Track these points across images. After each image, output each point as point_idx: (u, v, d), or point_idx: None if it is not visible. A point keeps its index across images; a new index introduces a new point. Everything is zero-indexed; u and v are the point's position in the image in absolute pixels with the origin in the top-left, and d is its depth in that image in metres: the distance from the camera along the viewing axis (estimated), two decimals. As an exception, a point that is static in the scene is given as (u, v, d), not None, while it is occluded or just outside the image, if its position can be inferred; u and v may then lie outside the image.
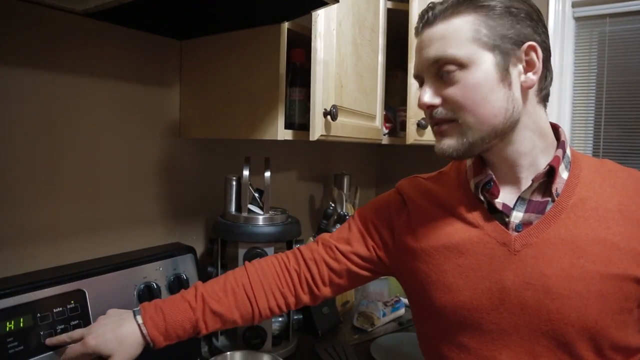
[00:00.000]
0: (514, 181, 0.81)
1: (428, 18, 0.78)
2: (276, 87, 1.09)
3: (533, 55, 0.75)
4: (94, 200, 1.11)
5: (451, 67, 0.75)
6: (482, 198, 0.82)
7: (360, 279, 0.98)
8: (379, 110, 1.47)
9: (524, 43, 0.75)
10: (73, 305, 0.94)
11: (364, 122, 1.35)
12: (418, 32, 0.81)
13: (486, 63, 0.74)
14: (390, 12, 1.48)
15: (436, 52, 0.76)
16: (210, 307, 0.88)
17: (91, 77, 1.09)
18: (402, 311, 1.51)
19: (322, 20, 1.04)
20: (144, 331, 0.84)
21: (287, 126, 1.13)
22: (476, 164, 0.84)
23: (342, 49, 1.14)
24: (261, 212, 1.19)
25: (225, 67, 1.18)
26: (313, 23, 1.04)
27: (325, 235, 1.00)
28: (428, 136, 1.52)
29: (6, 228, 0.96)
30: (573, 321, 0.72)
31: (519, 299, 0.75)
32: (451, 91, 0.76)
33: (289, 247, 1.23)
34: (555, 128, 0.84)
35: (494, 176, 0.80)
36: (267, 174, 1.18)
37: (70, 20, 1.03)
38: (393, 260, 0.93)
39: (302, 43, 1.16)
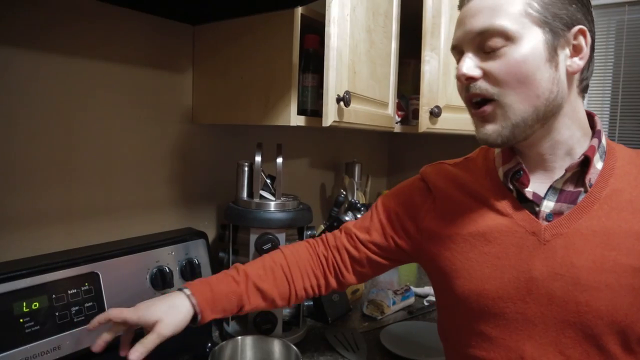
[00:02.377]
0: (546, 170, 0.79)
1: None
2: (289, 73, 1.08)
3: (582, 39, 0.72)
4: (108, 184, 1.12)
5: (497, 40, 0.71)
6: (510, 187, 0.81)
7: (381, 267, 0.99)
8: (391, 98, 1.46)
9: (574, 26, 0.72)
10: (87, 287, 0.95)
11: (377, 110, 1.34)
12: (464, 3, 0.76)
13: (535, 39, 0.70)
14: (404, -1, 1.47)
15: (483, 22, 0.71)
16: (254, 282, 0.91)
17: (105, 61, 1.09)
18: (411, 300, 1.51)
19: (336, 5, 1.03)
20: (193, 301, 0.84)
21: (300, 112, 1.12)
22: (505, 151, 0.82)
23: (355, 35, 1.13)
24: (273, 198, 1.19)
25: (238, 53, 1.18)
26: (327, 8, 1.03)
27: (349, 223, 1.03)
28: (441, 124, 1.51)
29: (22, 211, 0.97)
30: (602, 314, 0.70)
31: (547, 289, 0.74)
32: (494, 65, 0.72)
33: (300, 233, 1.24)
34: (590, 116, 0.81)
35: (523, 165, 0.79)
36: (279, 160, 1.18)
37: (85, 4, 1.03)
38: (416, 247, 0.93)
39: (315, 29, 1.16)
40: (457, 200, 0.86)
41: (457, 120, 1.52)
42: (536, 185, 0.79)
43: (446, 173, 0.92)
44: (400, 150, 2.32)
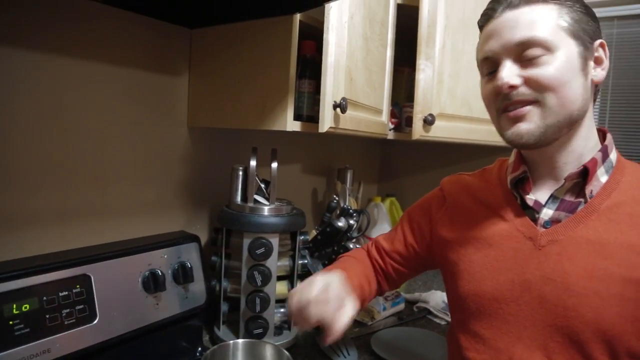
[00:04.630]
0: (553, 179, 0.82)
1: (512, 1, 0.78)
2: (286, 78, 1.09)
3: (602, 52, 0.79)
4: (102, 186, 1.11)
5: (538, 50, 0.75)
6: (516, 194, 0.85)
7: (404, 275, 1.06)
8: (385, 105, 1.47)
9: (596, 39, 0.78)
10: (79, 289, 0.94)
11: (371, 117, 1.35)
12: (494, 15, 0.80)
13: (570, 50, 0.75)
14: (399, 8, 1.48)
15: (523, 34, 0.75)
16: (358, 281, 0.97)
17: (102, 62, 1.08)
18: (402, 306, 1.52)
19: (335, 12, 1.04)
20: (354, 282, 0.93)
21: (295, 118, 1.13)
22: (517, 160, 0.86)
23: (352, 42, 1.14)
24: (267, 203, 1.19)
25: (236, 57, 1.18)
26: (326, 15, 1.04)
27: (379, 236, 1.12)
28: (434, 132, 1.52)
29: (14, 211, 0.96)
30: (589, 320, 0.72)
31: (538, 292, 0.77)
32: (536, 71, 0.75)
33: (293, 238, 1.24)
34: (603, 132, 0.84)
35: (528, 173, 0.83)
36: (274, 165, 1.18)
37: (82, 5, 1.02)
38: (430, 252, 0.99)
39: (312, 35, 1.16)
40: (466, 207, 0.92)
41: (450, 128, 1.53)
42: (541, 194, 0.83)
43: (461, 182, 0.98)
44: (392, 157, 2.34)
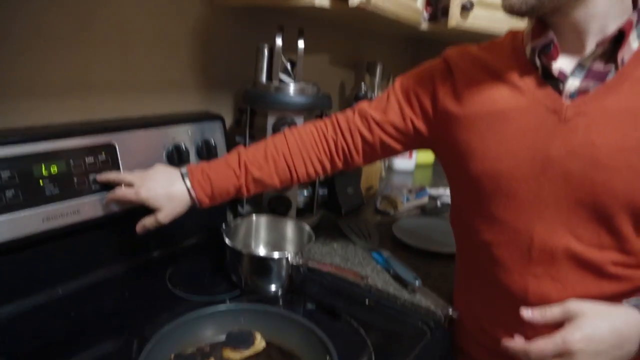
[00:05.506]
0: (577, 49, 0.73)
1: None
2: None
3: None
4: (123, 57, 1.08)
5: None
6: (537, 63, 0.75)
7: (392, 151, 0.96)
8: (421, -11, 1.37)
9: None
10: (104, 157, 0.95)
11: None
12: None
13: None
14: None
15: None
16: (253, 175, 0.92)
17: None
18: (425, 199, 1.52)
19: None
20: (193, 194, 0.90)
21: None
22: (536, 27, 0.76)
23: None
24: (292, 81, 1.15)
25: None
26: None
27: (363, 103, 0.96)
28: (472, 20, 1.43)
29: (36, 79, 0.94)
30: (618, 194, 0.68)
31: (563, 168, 0.71)
32: None
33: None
34: None
35: (555, 39, 0.73)
36: (301, 43, 1.13)
37: None
38: (432, 130, 0.89)
39: None
40: (477, 80, 0.82)
41: (490, 18, 1.43)
42: (564, 63, 0.74)
43: (469, 54, 0.86)
44: (424, 53, 2.23)
